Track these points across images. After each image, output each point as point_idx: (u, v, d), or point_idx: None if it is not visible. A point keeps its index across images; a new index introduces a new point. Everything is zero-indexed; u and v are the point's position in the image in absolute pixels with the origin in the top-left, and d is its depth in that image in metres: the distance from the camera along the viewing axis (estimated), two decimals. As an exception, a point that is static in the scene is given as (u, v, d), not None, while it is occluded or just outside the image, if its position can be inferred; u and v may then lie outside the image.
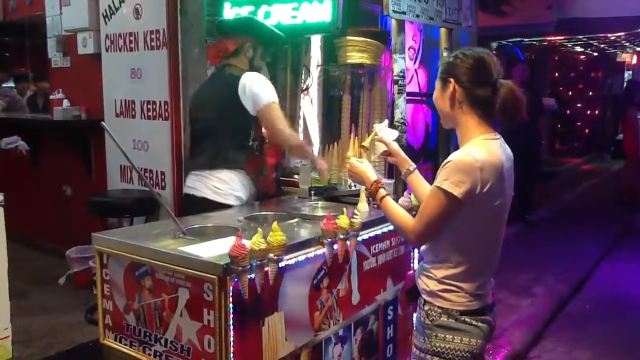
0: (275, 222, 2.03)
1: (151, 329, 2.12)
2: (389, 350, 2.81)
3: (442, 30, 3.46)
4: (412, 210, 2.69)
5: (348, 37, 3.34)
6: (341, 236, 2.27)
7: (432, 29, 4.07)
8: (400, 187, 3.00)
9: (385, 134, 2.31)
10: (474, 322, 1.86)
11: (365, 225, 2.45)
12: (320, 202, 2.93)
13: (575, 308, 4.55)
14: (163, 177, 4.03)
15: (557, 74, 13.74)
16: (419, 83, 5.66)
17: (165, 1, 3.88)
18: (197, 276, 1.92)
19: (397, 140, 3.07)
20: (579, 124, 14.21)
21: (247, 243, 1.89)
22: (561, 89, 13.79)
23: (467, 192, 1.74)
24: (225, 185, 2.89)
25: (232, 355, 1.90)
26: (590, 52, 13.15)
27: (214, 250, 2.00)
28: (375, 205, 2.08)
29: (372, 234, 2.56)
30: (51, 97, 5.26)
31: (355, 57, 3.34)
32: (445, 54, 3.48)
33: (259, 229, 1.95)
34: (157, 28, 3.96)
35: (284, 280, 2.09)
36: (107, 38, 4.36)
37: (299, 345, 2.21)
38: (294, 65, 3.79)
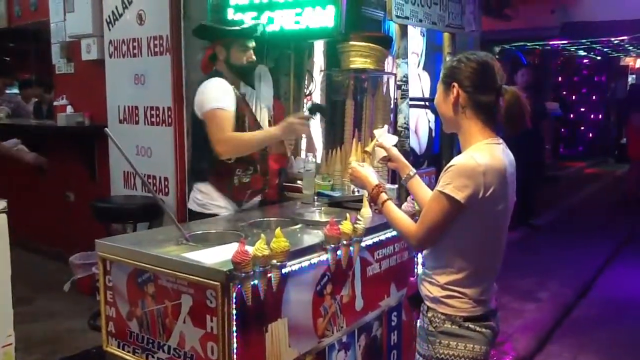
0: (279, 228, 2.02)
1: (154, 336, 2.11)
2: (393, 357, 2.80)
3: (446, 35, 3.46)
4: (415, 215, 2.69)
5: (351, 42, 3.34)
6: (344, 242, 2.26)
7: (436, 33, 4.07)
8: (403, 193, 2.99)
9: (385, 139, 2.31)
10: (477, 329, 1.84)
11: (369, 231, 2.45)
12: (323, 208, 2.92)
13: (581, 313, 4.53)
14: (166, 183, 4.03)
15: (560, 78, 13.72)
16: (422, 88, 5.67)
17: (168, 7, 3.89)
18: (200, 283, 1.91)
19: (400, 145, 3.08)
20: (582, 128, 14.19)
21: (250, 249, 1.88)
22: (565, 93, 13.77)
23: (470, 196, 1.73)
24: (203, 195, 2.85)
25: (235, 362, 1.89)
26: (594, 56, 13.14)
27: (217, 256, 1.99)
28: (376, 210, 2.06)
29: (375, 240, 2.55)
30: (55, 103, 5.28)
31: (359, 62, 3.34)
32: (448, 58, 3.47)
33: (262, 235, 1.95)
34: (160, 34, 3.97)
35: (287, 286, 2.09)
36: (110, 44, 4.37)
37: (302, 352, 2.20)
38: (297, 70, 3.79)
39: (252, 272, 1.87)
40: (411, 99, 3.23)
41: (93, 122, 4.86)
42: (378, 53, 3.38)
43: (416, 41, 4.51)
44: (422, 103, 5.58)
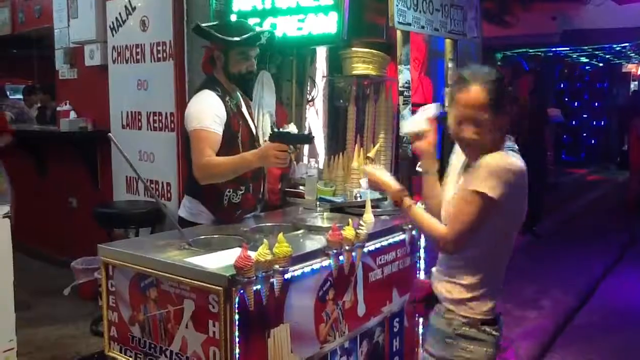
0: (281, 233, 2.03)
1: (156, 341, 2.11)
2: (395, 363, 2.79)
3: (447, 41, 3.47)
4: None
5: (353, 49, 3.36)
6: (347, 247, 2.26)
7: (437, 40, 4.08)
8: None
9: (429, 112, 2.10)
10: (492, 332, 1.87)
11: (371, 237, 2.45)
12: (325, 213, 2.92)
13: (583, 320, 4.51)
14: (169, 188, 4.04)
15: (562, 85, 13.73)
16: (424, 93, 5.68)
17: (171, 13, 3.91)
18: (202, 287, 1.92)
19: (402, 151, 3.09)
20: (584, 134, 14.18)
21: (253, 254, 1.88)
22: (567, 99, 13.78)
23: (503, 195, 1.75)
24: (193, 206, 2.76)
25: (237, 367, 1.89)
26: (596, 63, 13.14)
27: (219, 261, 1.99)
28: (401, 214, 2.03)
29: (377, 245, 2.55)
30: (58, 108, 5.30)
31: (361, 68, 3.36)
32: (450, 64, 3.48)
33: (265, 240, 1.95)
34: (163, 40, 3.99)
35: (290, 291, 2.09)
36: (114, 50, 4.39)
37: (304, 358, 2.19)
38: (299, 76, 3.80)
39: (254, 277, 1.88)
40: (413, 105, 3.24)
41: (96, 127, 4.87)
42: (380, 59, 3.39)
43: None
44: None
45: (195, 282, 1.94)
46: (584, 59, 12.49)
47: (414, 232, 2.74)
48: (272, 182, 3.28)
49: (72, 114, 5.01)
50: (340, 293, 2.35)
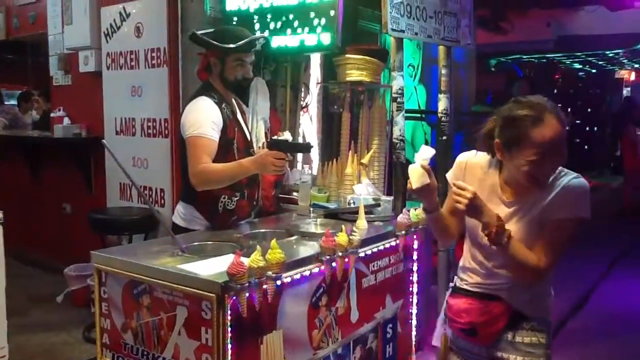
0: (274, 239, 2.02)
1: (149, 348, 2.10)
2: (389, 369, 2.79)
3: (441, 48, 3.48)
4: (410, 227, 2.70)
5: (347, 55, 3.37)
6: (340, 253, 2.26)
7: (431, 46, 4.10)
8: (399, 205, 3.00)
9: (424, 155, 1.95)
10: None
11: (364, 243, 2.45)
12: (319, 220, 2.93)
13: (577, 324, 4.52)
14: (162, 194, 4.03)
15: (556, 91, 13.80)
16: (418, 100, 5.71)
17: (166, 20, 3.92)
18: (195, 294, 1.91)
19: (396, 157, 3.10)
20: (578, 140, 14.23)
21: (246, 261, 1.88)
22: (560, 105, 13.79)
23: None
24: (187, 212, 2.75)
25: (230, 374, 1.88)
26: (589, 69, 13.23)
27: (212, 268, 1.99)
28: (493, 244, 1.79)
29: (371, 251, 2.55)
30: (52, 114, 5.29)
31: (355, 74, 3.37)
32: (444, 71, 3.49)
33: (258, 247, 1.94)
34: (158, 46, 3.99)
35: (283, 298, 2.09)
36: (108, 56, 4.39)
37: (297, 364, 2.19)
38: (293, 82, 3.81)
39: (247, 284, 1.87)
40: (407, 111, 3.25)
41: (90, 133, 4.87)
42: (374, 66, 3.40)
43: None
44: (419, 115, 5.63)
45: (188, 288, 1.93)
46: (577, 66, 12.56)
47: (408, 238, 2.75)
48: (266, 188, 3.28)
49: (66, 120, 5.00)
50: (334, 299, 2.35)
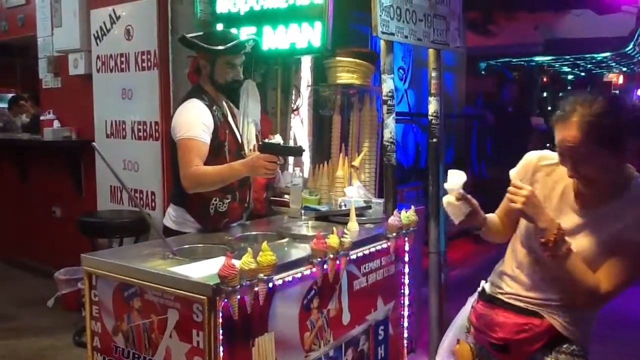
0: (265, 241, 2.03)
1: (140, 351, 2.10)
2: (380, 371, 2.80)
3: (431, 51, 3.50)
4: (401, 229, 2.72)
5: (338, 58, 3.38)
6: (331, 255, 2.27)
7: (422, 49, 4.12)
8: (390, 207, 3.01)
9: (454, 184, 1.82)
10: None
11: (356, 245, 2.46)
12: (310, 222, 2.93)
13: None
14: (153, 197, 4.02)
15: (545, 94, 13.89)
16: (408, 103, 5.73)
17: (156, 22, 3.92)
18: (186, 297, 1.91)
19: (387, 159, 3.11)
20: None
21: (237, 263, 1.88)
22: (550, 108, 13.93)
23: None
24: (178, 215, 2.75)
25: (221, 376, 1.88)
26: (578, 72, 13.32)
27: (203, 270, 1.99)
28: (549, 254, 1.65)
29: (362, 254, 2.56)
30: (42, 117, 5.26)
31: (345, 77, 3.38)
32: (434, 74, 3.51)
33: (249, 249, 1.95)
34: (148, 49, 3.99)
35: (274, 300, 2.09)
36: (98, 59, 4.38)
37: (289, 366, 2.19)
38: (284, 85, 3.82)
39: (238, 286, 1.87)
40: (397, 114, 3.26)
41: (80, 136, 4.85)
42: (364, 68, 3.42)
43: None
44: (409, 118, 5.65)
45: (179, 291, 1.93)
46: (566, 69, 12.65)
47: (398, 240, 2.76)
48: (257, 190, 3.28)
49: (56, 123, 4.98)
50: (325, 301, 2.36)
